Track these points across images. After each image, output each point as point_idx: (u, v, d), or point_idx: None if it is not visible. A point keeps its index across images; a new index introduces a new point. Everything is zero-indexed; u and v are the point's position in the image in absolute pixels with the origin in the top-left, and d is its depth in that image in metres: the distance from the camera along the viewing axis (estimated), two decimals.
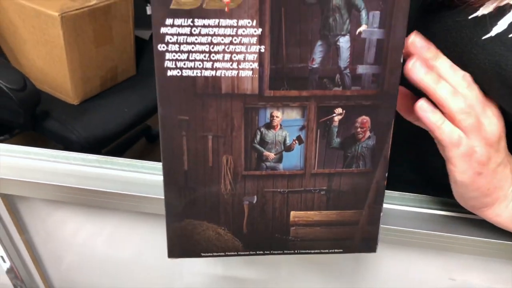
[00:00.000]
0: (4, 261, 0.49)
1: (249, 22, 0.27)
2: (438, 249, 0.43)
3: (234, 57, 0.28)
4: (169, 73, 0.28)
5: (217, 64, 0.28)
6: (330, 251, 0.36)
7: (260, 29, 0.27)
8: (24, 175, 0.40)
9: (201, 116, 0.30)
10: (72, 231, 0.49)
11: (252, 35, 0.27)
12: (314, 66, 0.28)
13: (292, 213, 0.34)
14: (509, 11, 0.31)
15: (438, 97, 0.31)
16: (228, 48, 0.28)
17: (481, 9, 0.32)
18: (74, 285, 0.55)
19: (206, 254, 0.36)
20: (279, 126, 0.30)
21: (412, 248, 0.44)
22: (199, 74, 0.28)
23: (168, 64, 0.28)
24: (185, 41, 0.27)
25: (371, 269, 0.48)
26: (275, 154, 0.31)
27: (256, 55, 0.28)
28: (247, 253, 0.36)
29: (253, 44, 0.27)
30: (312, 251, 0.36)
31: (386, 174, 0.33)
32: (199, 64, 0.28)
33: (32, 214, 0.47)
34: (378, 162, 0.32)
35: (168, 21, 0.27)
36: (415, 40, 0.31)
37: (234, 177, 0.32)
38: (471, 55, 0.33)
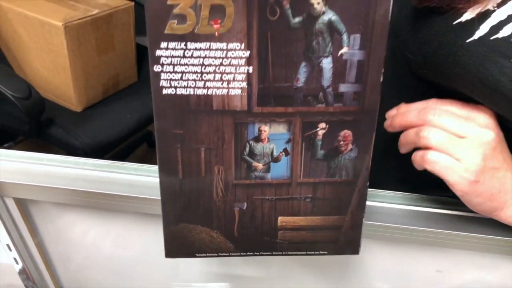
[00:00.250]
0: (17, 263, 0.51)
1: (238, 46, 0.29)
2: (426, 244, 0.45)
3: (224, 77, 0.30)
4: (164, 91, 0.30)
5: (208, 83, 0.30)
6: (315, 253, 0.38)
7: (248, 52, 0.29)
8: (36, 179, 0.43)
9: (194, 130, 0.32)
10: (81, 233, 0.51)
11: (241, 57, 0.29)
12: (299, 85, 0.30)
13: (280, 218, 0.36)
14: (490, 16, 0.34)
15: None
16: (218, 69, 0.30)
17: (465, 15, 0.35)
18: (83, 285, 0.57)
19: (200, 255, 0.38)
20: (267, 139, 0.33)
21: (402, 244, 0.46)
22: (192, 93, 0.30)
23: (163, 83, 0.30)
24: (178, 62, 0.29)
25: (363, 263, 0.50)
26: (263, 165, 0.34)
27: (244, 75, 0.30)
28: (238, 254, 0.38)
29: (241, 65, 0.30)
30: (299, 253, 0.38)
31: (368, 183, 0.35)
32: (192, 83, 0.30)
33: (43, 217, 0.49)
34: (360, 172, 0.34)
35: (163, 44, 0.29)
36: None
37: (225, 186, 0.34)
38: (457, 57, 0.35)
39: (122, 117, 1.16)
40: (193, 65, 0.29)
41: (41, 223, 0.49)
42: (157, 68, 0.30)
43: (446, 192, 0.38)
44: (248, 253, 0.38)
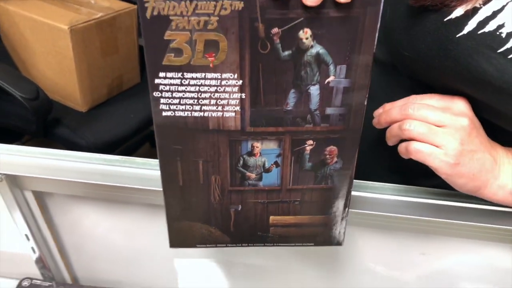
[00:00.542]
0: (34, 252, 0.55)
1: (231, 75, 0.31)
2: (411, 231, 0.50)
3: (219, 102, 0.32)
4: (164, 113, 0.33)
5: (204, 107, 0.33)
6: (303, 244, 0.43)
7: (241, 81, 0.31)
8: (53, 174, 0.46)
9: (192, 146, 0.35)
10: (93, 224, 0.55)
11: (234, 85, 0.31)
12: (288, 109, 0.33)
13: (271, 217, 0.40)
14: (477, 13, 0.37)
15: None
16: (213, 95, 0.32)
17: (455, 12, 0.38)
18: (95, 273, 0.61)
19: (201, 246, 0.43)
20: (259, 154, 0.35)
21: (390, 230, 0.50)
22: (189, 115, 0.33)
23: (162, 107, 0.32)
24: (176, 89, 0.32)
25: (355, 248, 0.54)
26: (256, 175, 0.37)
27: (238, 101, 0.32)
28: (234, 245, 0.43)
29: (235, 92, 0.32)
30: (288, 244, 0.43)
31: (352, 189, 0.38)
32: (189, 107, 0.32)
33: (58, 209, 0.53)
34: (344, 180, 0.37)
35: (161, 74, 0.31)
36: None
37: (221, 191, 0.38)
38: (448, 51, 0.39)
39: (126, 117, 1.18)
40: (190, 91, 0.32)
41: (56, 215, 0.53)
42: (156, 94, 0.32)
43: (434, 177, 0.42)
44: (243, 244, 0.43)
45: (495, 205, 0.45)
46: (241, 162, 0.36)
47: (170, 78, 0.31)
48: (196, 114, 0.33)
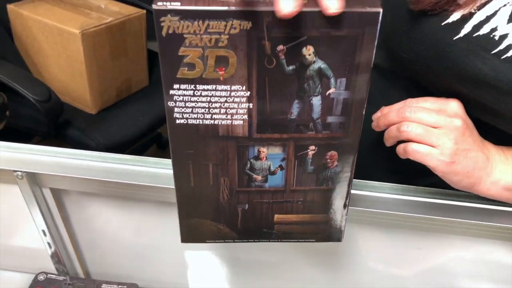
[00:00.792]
0: (50, 247, 0.58)
1: (239, 87, 0.34)
2: (408, 228, 0.53)
3: (228, 111, 0.35)
4: (177, 121, 0.36)
5: (215, 116, 0.35)
6: (305, 240, 0.46)
7: (249, 92, 0.34)
8: (70, 171, 0.49)
9: (203, 151, 0.38)
10: (106, 221, 0.57)
11: (242, 96, 0.34)
12: (292, 117, 0.35)
13: (276, 215, 0.43)
14: (472, 17, 0.40)
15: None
16: (223, 105, 0.35)
17: (452, 16, 0.41)
18: (107, 268, 0.64)
19: (210, 241, 0.46)
20: (265, 158, 0.38)
21: (389, 227, 0.54)
22: (201, 122, 0.36)
23: (176, 115, 0.35)
24: (189, 100, 0.34)
25: (356, 243, 0.57)
26: (262, 177, 0.40)
27: (246, 110, 0.35)
28: (241, 240, 0.46)
29: (243, 102, 0.34)
30: (291, 240, 0.46)
31: (351, 190, 0.41)
32: (201, 116, 0.35)
33: (74, 206, 0.56)
34: (344, 182, 0.40)
35: (175, 86, 0.34)
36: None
37: (230, 192, 0.41)
38: (445, 52, 0.42)
39: (134, 119, 1.21)
40: (201, 102, 0.34)
41: (72, 212, 0.56)
42: (171, 104, 0.35)
43: (430, 176, 0.45)
44: (249, 240, 0.46)
45: (487, 204, 0.48)
46: (248, 165, 0.39)
47: (184, 90, 0.34)
48: (207, 122, 0.36)
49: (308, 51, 0.32)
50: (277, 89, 0.34)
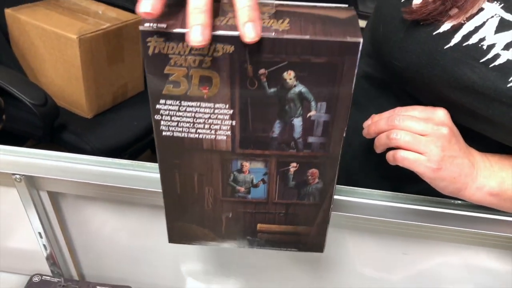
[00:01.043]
0: (46, 249, 0.59)
1: (223, 105, 0.35)
2: (395, 234, 0.54)
3: (212, 127, 0.36)
4: (164, 133, 0.37)
5: (199, 130, 0.36)
6: (288, 249, 0.47)
7: (232, 110, 0.35)
8: (68, 175, 0.50)
9: (188, 161, 0.39)
10: (101, 224, 0.59)
11: (225, 114, 0.35)
12: (274, 136, 0.37)
13: (259, 224, 0.44)
14: (462, 28, 0.42)
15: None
16: (207, 121, 0.36)
17: (442, 26, 0.43)
18: (101, 271, 0.65)
19: (195, 243, 0.47)
20: (248, 171, 0.40)
21: (377, 233, 0.55)
22: (186, 136, 0.37)
23: (162, 128, 0.37)
24: (174, 114, 0.36)
25: (343, 248, 0.59)
26: (245, 189, 0.41)
27: (229, 126, 0.36)
28: (225, 245, 0.47)
29: (226, 119, 0.36)
30: (274, 248, 0.47)
31: (332, 205, 0.42)
32: (186, 130, 0.37)
33: (71, 209, 0.57)
34: (325, 198, 0.41)
35: (162, 101, 0.35)
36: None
37: (214, 201, 0.42)
38: (436, 61, 0.43)
39: (129, 124, 1.22)
40: (186, 117, 0.36)
41: (68, 214, 0.57)
42: (157, 117, 0.36)
43: (418, 183, 0.46)
44: (233, 245, 0.47)
45: (472, 211, 0.50)
46: (232, 177, 0.40)
47: (169, 105, 0.35)
48: (192, 135, 0.37)
49: (289, 76, 0.33)
50: (259, 109, 0.35)
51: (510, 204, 0.47)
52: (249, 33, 0.30)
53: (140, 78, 1.33)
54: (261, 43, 0.31)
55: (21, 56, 1.28)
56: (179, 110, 0.35)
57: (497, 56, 0.41)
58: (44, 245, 0.59)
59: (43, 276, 0.61)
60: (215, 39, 0.31)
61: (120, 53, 1.22)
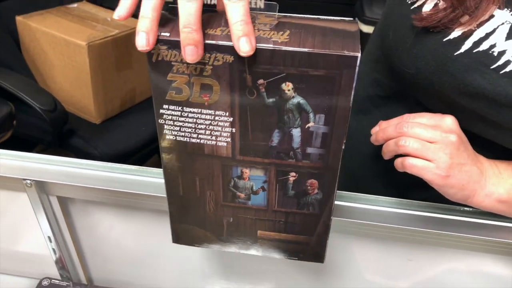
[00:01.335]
0: (55, 253, 0.60)
1: (223, 113, 0.36)
2: (400, 240, 0.54)
3: (213, 133, 0.37)
4: (167, 137, 0.38)
5: (200, 136, 0.37)
6: (288, 257, 0.47)
7: (232, 118, 0.36)
8: (77, 181, 0.51)
9: (191, 166, 0.40)
10: (109, 229, 0.60)
11: (226, 121, 0.36)
12: (273, 145, 0.37)
13: (259, 231, 0.45)
14: (472, 34, 0.42)
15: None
16: (208, 127, 0.37)
17: (452, 33, 0.43)
18: (108, 276, 0.66)
19: (198, 245, 0.48)
20: (248, 178, 0.40)
21: (382, 239, 0.55)
22: (188, 140, 0.38)
23: (166, 132, 0.38)
24: (177, 119, 0.37)
25: (347, 254, 0.59)
26: (245, 195, 0.42)
27: (229, 133, 0.37)
28: (227, 249, 0.48)
29: (226, 126, 0.36)
30: (274, 256, 0.47)
31: (332, 216, 0.42)
32: (188, 134, 0.38)
33: (80, 214, 0.58)
34: (325, 208, 0.41)
35: (165, 106, 0.36)
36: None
37: (215, 204, 0.43)
38: (446, 67, 0.44)
39: (138, 129, 1.23)
40: (188, 122, 0.37)
41: (77, 219, 0.59)
42: (161, 121, 0.37)
43: (425, 190, 0.46)
44: (234, 249, 0.48)
45: (479, 218, 0.49)
46: (232, 183, 0.41)
47: (172, 110, 0.36)
48: (193, 140, 0.38)
49: (288, 87, 0.33)
50: (258, 118, 0.36)
51: None
52: (243, 47, 0.31)
53: (148, 84, 1.34)
54: (259, 54, 0.32)
55: (31, 62, 1.31)
56: (181, 116, 0.36)
57: (508, 62, 0.40)
58: (53, 249, 0.60)
59: (52, 280, 0.62)
60: (216, 49, 0.32)
61: (128, 59, 1.23)
